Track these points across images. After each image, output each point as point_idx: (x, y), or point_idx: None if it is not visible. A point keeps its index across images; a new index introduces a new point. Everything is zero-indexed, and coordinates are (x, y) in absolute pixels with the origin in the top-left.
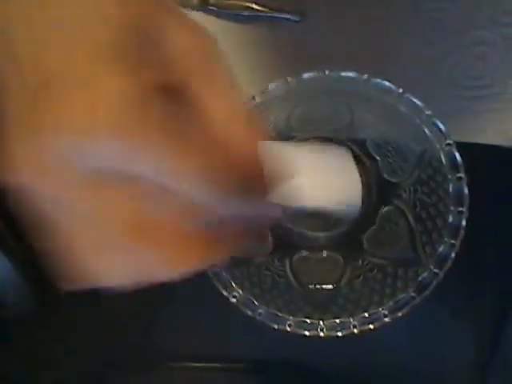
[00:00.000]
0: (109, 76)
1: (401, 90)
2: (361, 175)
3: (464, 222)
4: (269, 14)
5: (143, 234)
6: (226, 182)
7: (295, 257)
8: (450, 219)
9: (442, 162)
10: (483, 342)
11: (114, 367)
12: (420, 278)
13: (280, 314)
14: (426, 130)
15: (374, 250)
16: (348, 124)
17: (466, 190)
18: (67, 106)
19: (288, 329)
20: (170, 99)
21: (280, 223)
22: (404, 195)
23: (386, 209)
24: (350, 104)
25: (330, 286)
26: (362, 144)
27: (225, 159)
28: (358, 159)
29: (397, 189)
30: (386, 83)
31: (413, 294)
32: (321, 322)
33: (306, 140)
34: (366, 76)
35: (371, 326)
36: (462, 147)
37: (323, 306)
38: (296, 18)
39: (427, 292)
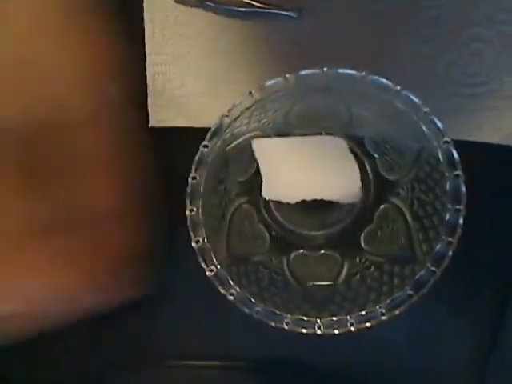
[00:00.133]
0: None
1: (398, 88)
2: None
3: (461, 220)
4: (267, 11)
5: None
6: None
7: (293, 255)
8: (448, 217)
9: (439, 159)
10: (481, 340)
11: (114, 367)
12: (417, 276)
13: (277, 312)
14: (424, 128)
15: (372, 247)
16: (346, 121)
17: (463, 188)
18: None
19: (285, 326)
20: None
21: (277, 221)
22: (401, 193)
23: (383, 207)
24: (347, 101)
25: (327, 284)
26: (359, 141)
27: None
28: (355, 157)
29: (394, 186)
30: (384, 80)
31: (410, 292)
32: (318, 320)
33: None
34: (363, 73)
35: (368, 324)
36: (460, 145)
37: (320, 303)
38: (294, 15)
39: (424, 290)
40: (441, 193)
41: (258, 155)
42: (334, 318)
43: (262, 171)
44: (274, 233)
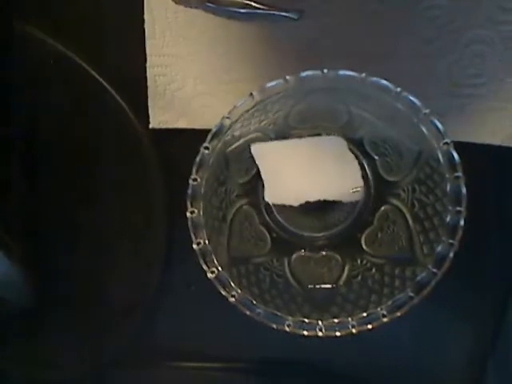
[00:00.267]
0: None
1: (398, 89)
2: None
3: (462, 222)
4: (267, 12)
5: None
6: None
7: (294, 256)
8: (448, 219)
9: (439, 161)
10: (482, 341)
11: (113, 367)
12: (418, 278)
13: (279, 314)
14: (424, 129)
15: (372, 249)
16: (346, 122)
17: (464, 190)
18: None
19: (287, 329)
20: None
21: (278, 223)
22: (402, 194)
23: (383, 208)
24: (347, 102)
25: (328, 286)
26: (359, 143)
27: None
28: (355, 158)
29: (394, 188)
30: (384, 82)
31: (411, 294)
32: (319, 322)
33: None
34: (363, 75)
35: (369, 326)
36: (460, 146)
37: (322, 305)
38: (294, 16)
39: (425, 292)
40: (441, 194)
41: (257, 160)
42: (336, 320)
43: (263, 176)
44: (274, 234)
